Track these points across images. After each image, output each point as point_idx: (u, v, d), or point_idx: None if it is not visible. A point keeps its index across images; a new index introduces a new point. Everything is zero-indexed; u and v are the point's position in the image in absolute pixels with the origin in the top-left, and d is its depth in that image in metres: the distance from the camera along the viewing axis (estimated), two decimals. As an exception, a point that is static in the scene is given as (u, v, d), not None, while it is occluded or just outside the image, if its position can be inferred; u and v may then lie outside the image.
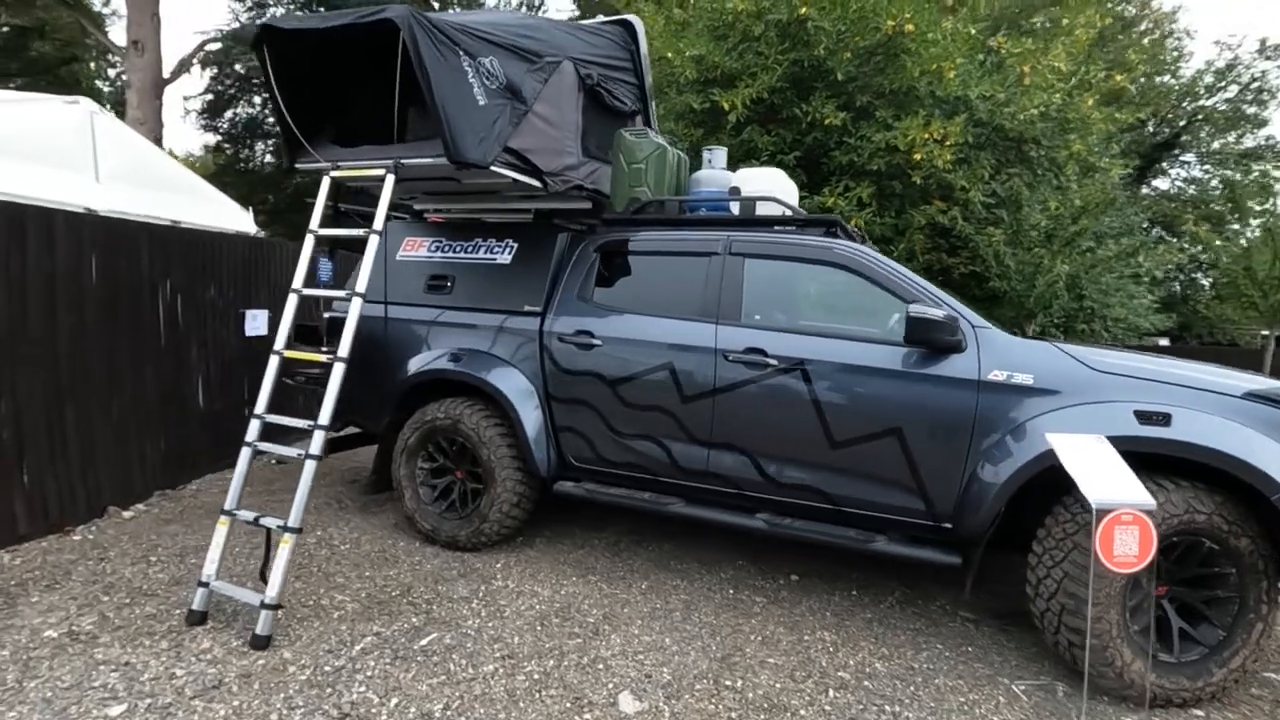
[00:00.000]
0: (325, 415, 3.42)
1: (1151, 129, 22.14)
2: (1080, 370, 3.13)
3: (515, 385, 4.16)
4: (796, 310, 3.80)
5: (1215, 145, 22.86)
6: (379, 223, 3.65)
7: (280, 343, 3.69)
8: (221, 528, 3.44)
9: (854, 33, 7.21)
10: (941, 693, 2.98)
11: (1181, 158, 23.77)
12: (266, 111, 19.32)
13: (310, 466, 3.36)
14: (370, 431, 5.04)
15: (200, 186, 8.49)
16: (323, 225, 3.80)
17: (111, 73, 22.95)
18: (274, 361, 3.66)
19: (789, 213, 4.04)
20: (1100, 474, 2.71)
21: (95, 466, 4.66)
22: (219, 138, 20.81)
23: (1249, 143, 22.33)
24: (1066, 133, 8.30)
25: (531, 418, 4.13)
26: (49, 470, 4.31)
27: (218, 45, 17.70)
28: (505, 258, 4.41)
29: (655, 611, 3.61)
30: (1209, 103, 21.95)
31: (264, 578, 3.34)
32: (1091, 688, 2.91)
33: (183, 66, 15.47)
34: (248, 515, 3.48)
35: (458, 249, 4.55)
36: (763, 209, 3.96)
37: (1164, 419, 2.92)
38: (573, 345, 4.07)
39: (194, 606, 3.28)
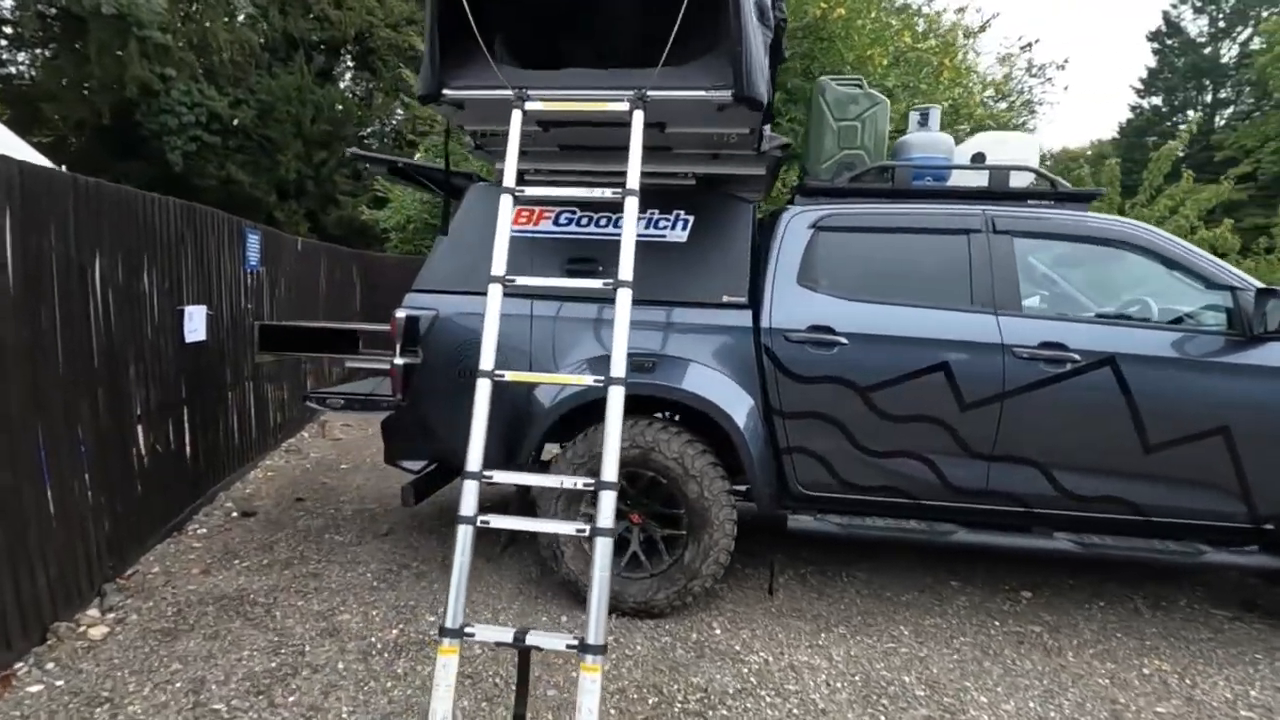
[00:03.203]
0: (610, 468, 2.19)
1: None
2: None
3: (734, 399, 3.13)
4: (1078, 297, 3.25)
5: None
6: (635, 177, 2.44)
7: (489, 359, 2.35)
8: (448, 661, 2.07)
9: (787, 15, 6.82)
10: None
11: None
12: None
13: (604, 547, 2.12)
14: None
15: None
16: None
17: None
18: (484, 389, 2.32)
19: (1029, 183, 3.43)
20: None
21: (26, 564, 2.80)
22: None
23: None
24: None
25: (757, 439, 3.14)
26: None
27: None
28: (679, 234, 3.32)
29: (966, 666, 2.88)
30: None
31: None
32: None
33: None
34: (495, 634, 2.14)
35: (603, 221, 3.36)
36: (1015, 181, 3.32)
37: None
38: (807, 345, 3.14)
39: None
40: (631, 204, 2.42)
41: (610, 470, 2.18)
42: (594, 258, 3.31)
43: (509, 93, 2.54)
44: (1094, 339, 3.00)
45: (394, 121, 21.13)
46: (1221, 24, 27.49)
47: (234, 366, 4.99)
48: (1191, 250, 3.09)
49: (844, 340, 3.11)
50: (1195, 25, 28.09)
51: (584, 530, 2.21)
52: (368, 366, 4.49)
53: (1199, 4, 27.87)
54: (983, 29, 9.53)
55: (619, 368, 2.29)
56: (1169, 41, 28.55)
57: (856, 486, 3.19)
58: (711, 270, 3.27)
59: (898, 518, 3.20)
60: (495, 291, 2.43)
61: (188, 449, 4.27)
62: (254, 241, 5.45)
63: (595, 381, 2.35)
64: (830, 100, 3.37)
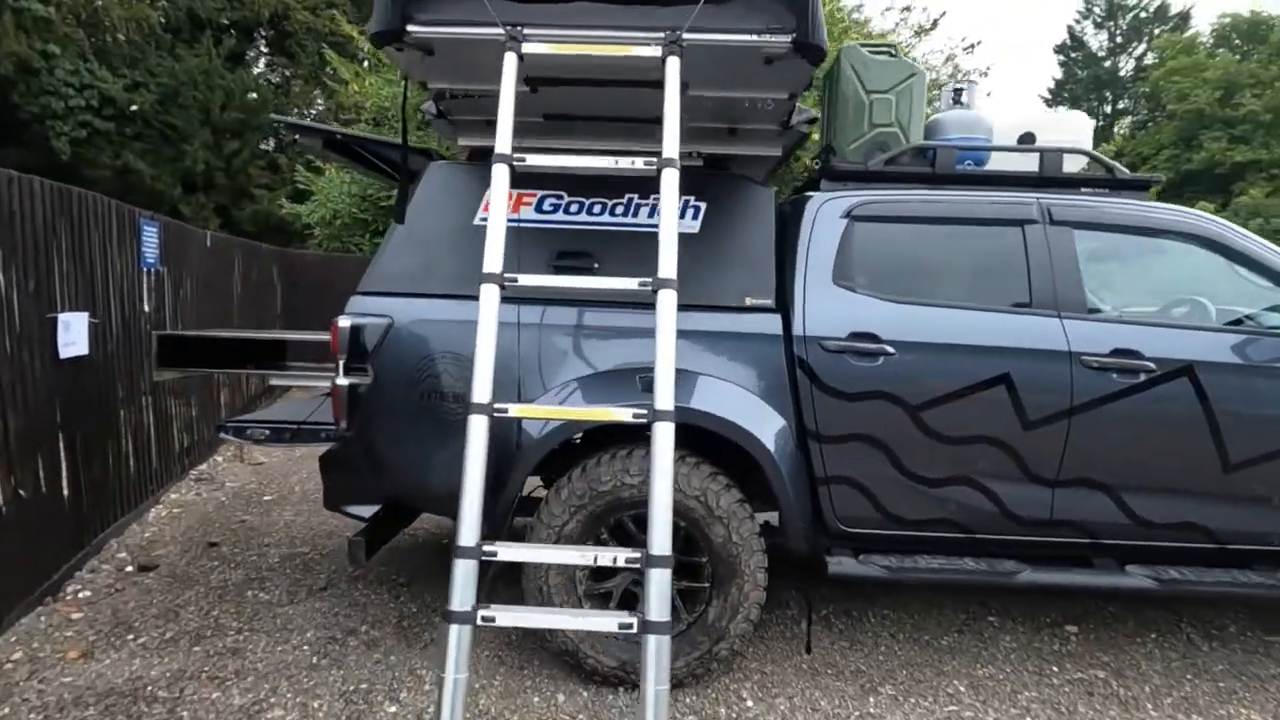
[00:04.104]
0: (661, 536, 1.59)
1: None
2: None
3: (764, 421, 2.58)
4: (1142, 297, 2.85)
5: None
6: (672, 146, 1.84)
7: (484, 389, 1.71)
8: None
9: None
10: None
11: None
12: None
13: (659, 649, 1.51)
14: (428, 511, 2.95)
15: None
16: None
17: None
18: (479, 430, 1.68)
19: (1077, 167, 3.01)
20: None
21: None
22: None
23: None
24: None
25: (791, 467, 2.59)
26: None
27: None
28: (690, 224, 2.73)
29: (1045, 732, 2.43)
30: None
31: None
32: None
33: None
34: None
35: (598, 208, 2.74)
36: (1069, 165, 2.89)
37: None
38: (848, 355, 2.62)
39: None
40: (670, 179, 1.83)
41: (662, 540, 1.59)
42: (588, 251, 2.70)
43: (499, 30, 1.89)
44: (1170, 345, 2.60)
45: (314, 111, 19.65)
46: (1119, 39, 29.10)
47: (128, 382, 4.09)
48: (1266, 245, 2.74)
49: (890, 349, 2.60)
50: (1096, 40, 29.66)
51: (630, 625, 1.60)
52: (298, 384, 3.72)
53: (1099, 19, 29.43)
54: (933, 26, 9.35)
55: (665, 397, 1.70)
56: (1073, 54, 30.05)
57: (904, 521, 2.69)
58: (730, 267, 2.70)
59: (948, 554, 2.72)
60: (490, 294, 1.80)
61: (65, 489, 3.39)
62: (151, 235, 4.53)
63: (635, 417, 1.74)
64: (859, 69, 2.87)
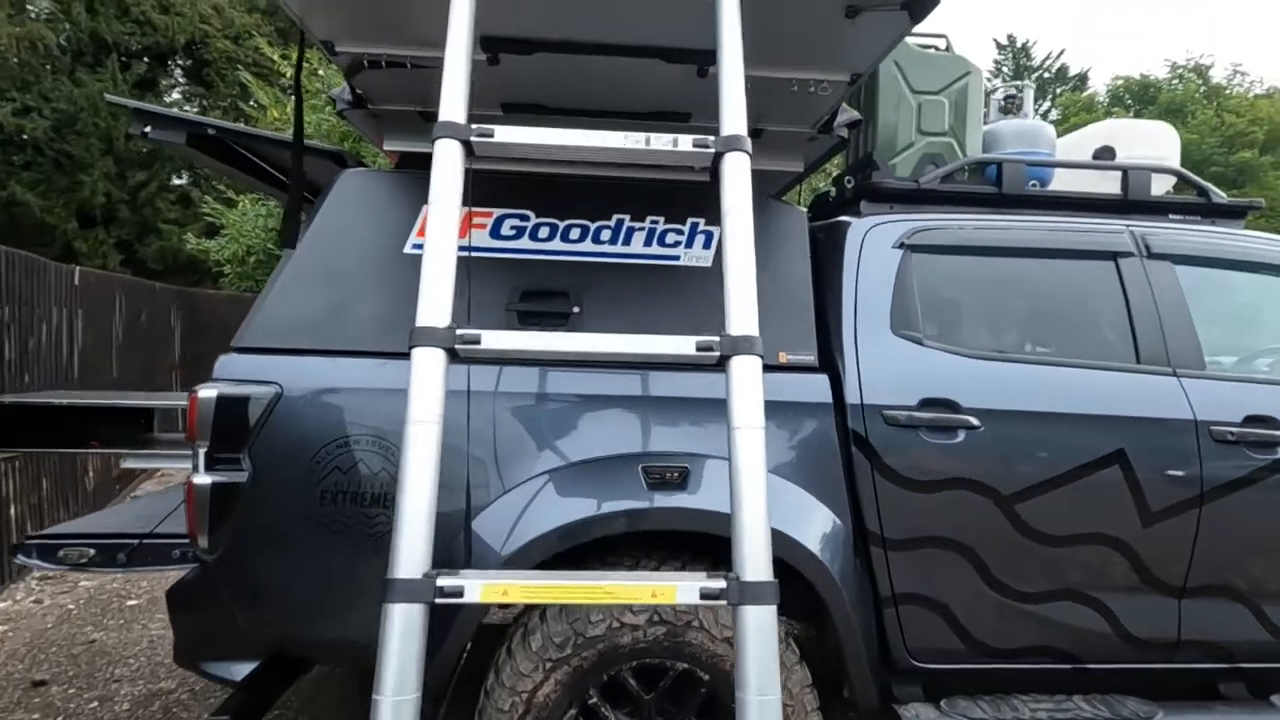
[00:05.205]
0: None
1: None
2: None
3: (811, 522, 1.84)
4: (1254, 347, 2.29)
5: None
6: (736, 116, 1.12)
7: (411, 561, 0.92)
8: None
9: None
10: None
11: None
12: None
13: None
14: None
15: None
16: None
17: None
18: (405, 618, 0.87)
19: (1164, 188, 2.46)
20: None
21: None
22: None
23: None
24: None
25: (855, 589, 1.86)
26: None
27: None
28: (699, 254, 2.01)
29: None
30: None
31: None
32: None
33: None
34: None
35: (576, 233, 1.99)
36: (1157, 185, 2.34)
37: None
38: (920, 430, 1.92)
39: None
40: (737, 169, 1.11)
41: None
42: (563, 290, 1.94)
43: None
44: (1315, 411, 2.03)
45: (234, 144, 18.28)
46: (1027, 97, 30.80)
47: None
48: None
49: (974, 421, 1.93)
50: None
51: None
52: (167, 466, 2.79)
53: (1007, 78, 31.17)
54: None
55: (759, 563, 1.07)
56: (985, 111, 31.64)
57: (995, 650, 1.98)
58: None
59: (1053, 692, 2.03)
60: (428, 365, 1.01)
61: None
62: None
63: (705, 599, 0.99)
64: (903, 64, 2.26)
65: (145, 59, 16.56)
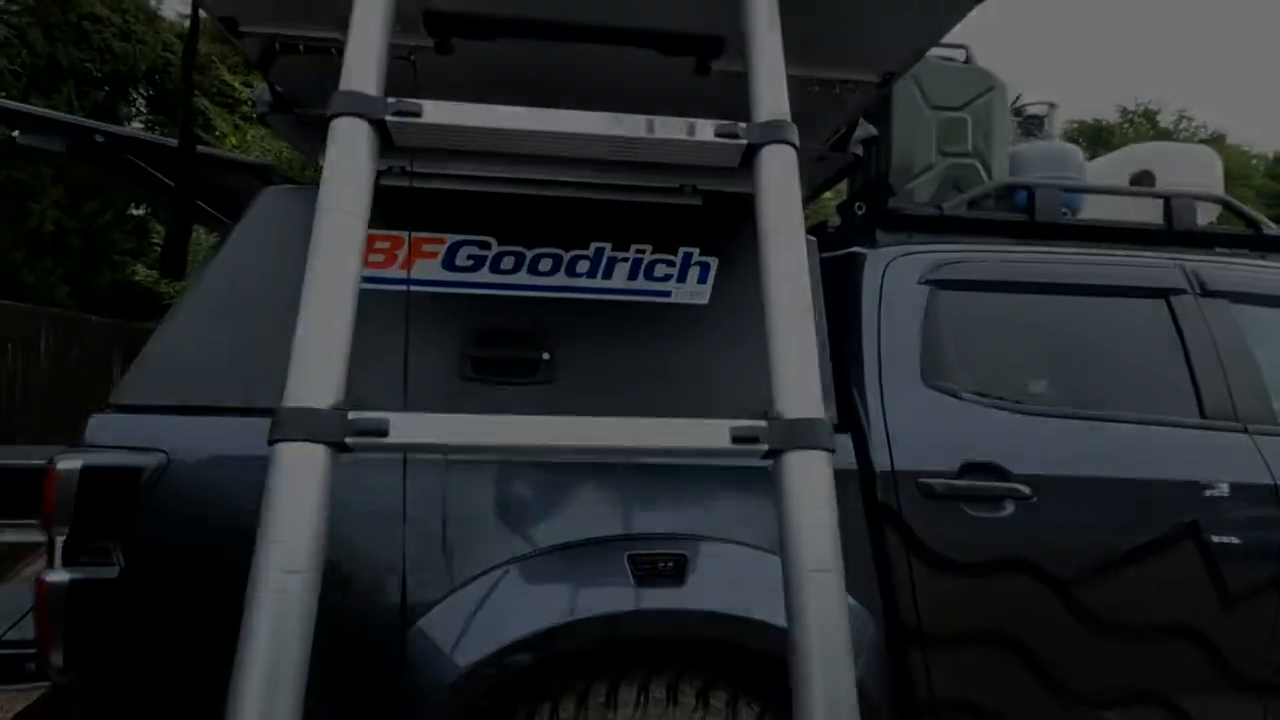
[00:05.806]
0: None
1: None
2: None
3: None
4: None
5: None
6: (777, 97, 0.80)
7: None
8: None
9: None
10: None
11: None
12: None
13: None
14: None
15: None
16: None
17: None
18: None
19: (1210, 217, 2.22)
20: None
21: None
22: None
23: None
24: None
25: (888, 705, 1.50)
26: None
27: None
28: (694, 290, 1.68)
29: None
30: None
31: None
32: None
33: None
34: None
35: (547, 265, 1.64)
36: (1203, 214, 2.08)
37: None
38: (961, 502, 1.59)
39: None
40: (781, 164, 0.78)
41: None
42: (530, 332, 1.58)
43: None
44: (1400, 472, 1.75)
45: (195, 174, 17.74)
46: (986, 138, 31.74)
47: None
48: None
49: (1024, 489, 1.60)
50: (967, 138, 32.26)
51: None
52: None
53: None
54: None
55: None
56: (947, 150, 32.50)
57: (1055, 768, 1.64)
58: (762, 360, 1.66)
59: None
60: (299, 463, 0.66)
61: None
62: None
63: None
64: (921, 77, 1.99)
65: (105, 86, 16.03)
